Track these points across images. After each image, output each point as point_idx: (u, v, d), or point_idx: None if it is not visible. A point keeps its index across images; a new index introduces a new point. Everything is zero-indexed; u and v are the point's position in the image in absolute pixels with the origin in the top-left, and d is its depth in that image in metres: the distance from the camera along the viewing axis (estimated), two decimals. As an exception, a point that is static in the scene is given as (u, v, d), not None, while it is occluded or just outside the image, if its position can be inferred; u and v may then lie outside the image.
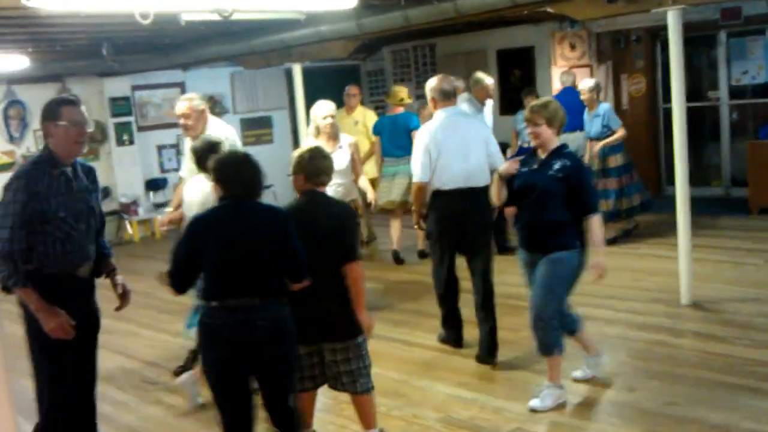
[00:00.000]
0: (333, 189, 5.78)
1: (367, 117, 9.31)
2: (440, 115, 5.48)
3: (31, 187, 3.61)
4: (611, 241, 7.86)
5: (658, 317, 6.01)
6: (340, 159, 6.34)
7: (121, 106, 12.06)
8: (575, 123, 9.47)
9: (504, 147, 11.37)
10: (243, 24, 8.04)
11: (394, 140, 8.40)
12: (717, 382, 4.74)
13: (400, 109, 8.54)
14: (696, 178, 9.29)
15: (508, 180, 4.62)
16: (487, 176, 5.32)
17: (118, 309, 4.03)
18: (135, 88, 12.18)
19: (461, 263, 5.52)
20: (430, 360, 5.55)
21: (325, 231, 3.77)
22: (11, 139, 11.17)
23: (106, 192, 10.00)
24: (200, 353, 3.66)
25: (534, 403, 4.56)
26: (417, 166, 5.37)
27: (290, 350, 3.53)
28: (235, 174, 3.46)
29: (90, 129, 3.96)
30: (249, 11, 6.38)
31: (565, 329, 4.73)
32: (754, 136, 10.13)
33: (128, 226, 11.74)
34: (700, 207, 8.13)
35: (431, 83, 5.52)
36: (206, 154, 4.08)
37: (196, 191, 4.58)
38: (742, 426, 4.17)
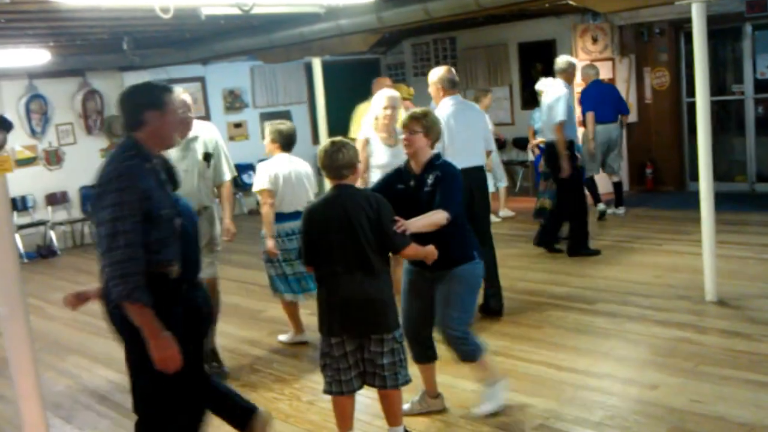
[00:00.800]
0: None
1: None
2: (448, 102, 5.91)
3: (137, 185, 3.13)
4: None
5: (682, 314, 5.94)
6: (399, 152, 5.91)
7: (141, 100, 12.09)
8: (610, 114, 9.41)
9: (525, 142, 11.39)
10: (263, 18, 8.03)
11: None
12: (742, 380, 4.67)
13: (408, 104, 8.48)
14: (720, 173, 9.19)
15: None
16: (483, 156, 6.09)
17: None
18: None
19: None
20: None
21: (358, 223, 3.75)
22: (33, 133, 11.24)
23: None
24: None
25: (484, 408, 4.46)
26: None
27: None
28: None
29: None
30: (269, 5, 6.39)
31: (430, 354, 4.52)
32: (779, 131, 10.01)
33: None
34: (724, 203, 8.04)
35: (438, 73, 5.95)
36: None
37: None
38: (767, 424, 4.10)
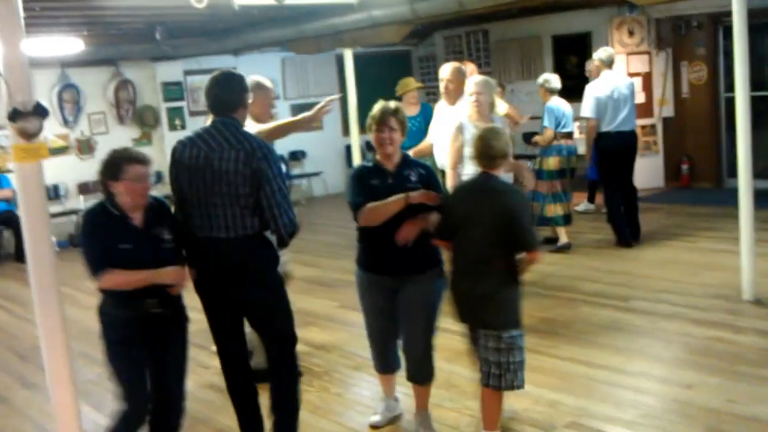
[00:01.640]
0: None
1: None
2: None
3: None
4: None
5: (719, 313, 5.83)
6: None
7: (173, 90, 12.17)
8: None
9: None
10: (295, 8, 8.03)
11: None
12: (779, 381, 4.58)
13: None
14: (759, 169, 8.97)
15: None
16: None
17: None
18: (187, 73, 12.26)
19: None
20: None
21: (490, 216, 3.72)
22: (66, 122, 11.33)
23: (159, 176, 10.09)
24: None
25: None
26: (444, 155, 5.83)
27: None
28: None
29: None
30: (303, -5, 6.36)
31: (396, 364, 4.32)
32: (819, 127, 9.78)
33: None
34: (763, 200, 7.86)
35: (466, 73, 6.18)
36: None
37: None
38: (806, 427, 4.02)
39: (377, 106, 4.05)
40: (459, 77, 6.25)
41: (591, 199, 9.96)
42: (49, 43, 8.67)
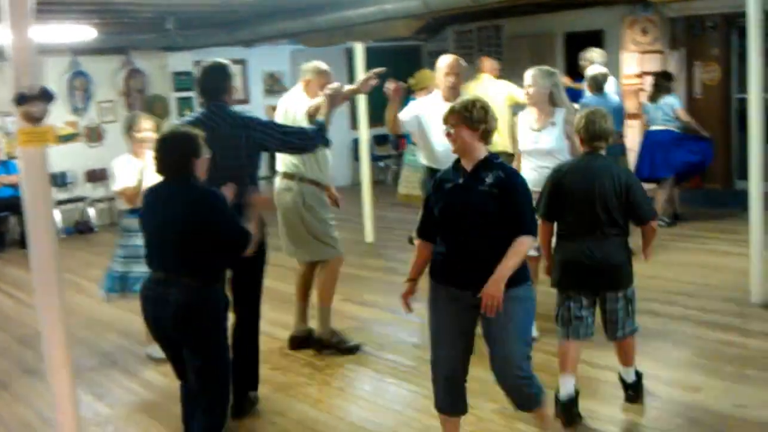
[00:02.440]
0: (537, 173, 5.09)
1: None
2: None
3: None
4: None
5: (728, 316, 5.78)
6: (547, 137, 5.28)
7: (183, 80, 12.15)
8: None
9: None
10: (308, 0, 7.98)
11: None
12: (788, 386, 4.53)
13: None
14: (769, 172, 8.94)
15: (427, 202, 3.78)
16: None
17: None
18: (197, 63, 12.22)
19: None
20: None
21: (611, 192, 4.04)
22: (75, 110, 11.33)
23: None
24: None
25: None
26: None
27: None
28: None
29: None
30: (314, -14, 6.31)
31: None
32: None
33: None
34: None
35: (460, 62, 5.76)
36: None
37: None
38: (815, 433, 3.97)
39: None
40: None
41: None
42: (61, 31, 8.65)
